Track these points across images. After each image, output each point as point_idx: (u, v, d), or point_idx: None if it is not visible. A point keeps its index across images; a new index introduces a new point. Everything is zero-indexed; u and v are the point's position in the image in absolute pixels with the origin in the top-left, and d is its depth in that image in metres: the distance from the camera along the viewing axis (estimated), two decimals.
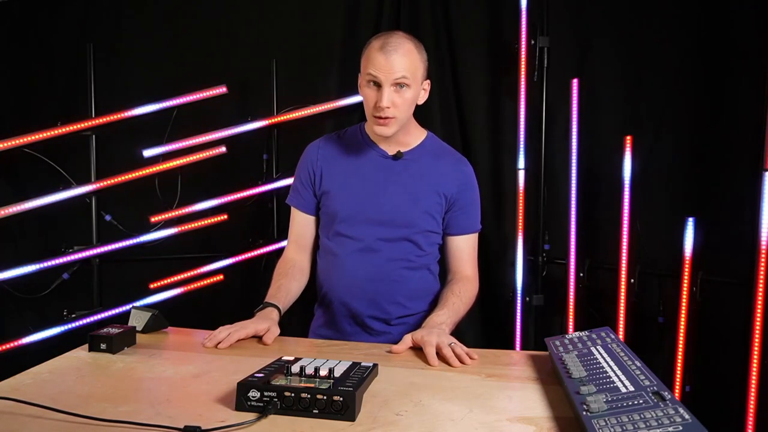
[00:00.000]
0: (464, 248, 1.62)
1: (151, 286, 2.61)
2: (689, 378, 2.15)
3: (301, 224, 1.65)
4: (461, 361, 1.20)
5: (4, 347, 2.38)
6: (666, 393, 0.84)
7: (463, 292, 1.53)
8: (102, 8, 2.71)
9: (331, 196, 1.58)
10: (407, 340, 1.30)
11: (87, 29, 2.69)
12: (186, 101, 2.58)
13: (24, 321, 2.58)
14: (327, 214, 1.60)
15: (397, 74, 1.41)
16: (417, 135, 1.61)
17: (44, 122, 2.45)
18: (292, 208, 1.66)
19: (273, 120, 2.69)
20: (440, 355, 1.22)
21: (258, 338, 1.35)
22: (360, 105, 2.63)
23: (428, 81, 1.53)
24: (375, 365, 1.09)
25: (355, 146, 1.60)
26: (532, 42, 2.52)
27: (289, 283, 1.57)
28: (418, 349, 1.29)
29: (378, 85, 1.43)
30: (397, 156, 1.56)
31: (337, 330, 1.60)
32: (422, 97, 1.53)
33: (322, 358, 1.07)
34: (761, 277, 1.88)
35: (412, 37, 1.48)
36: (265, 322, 1.37)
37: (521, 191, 2.55)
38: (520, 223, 2.56)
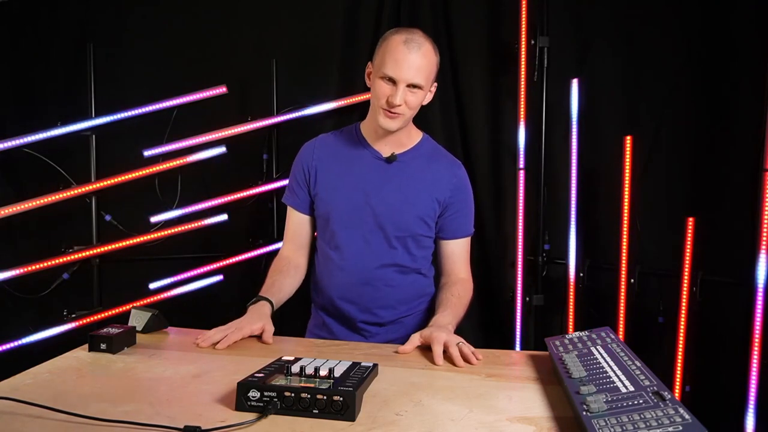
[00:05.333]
0: (458, 252, 1.62)
1: (151, 286, 2.61)
2: (689, 378, 2.15)
3: (297, 223, 1.65)
4: (467, 361, 1.20)
5: (4, 347, 2.38)
6: (666, 393, 0.84)
7: (462, 294, 1.54)
8: (102, 8, 2.71)
9: (324, 198, 1.58)
10: (414, 339, 1.30)
11: (87, 29, 2.69)
12: (186, 101, 2.58)
13: (24, 321, 2.58)
14: (321, 216, 1.60)
15: (414, 77, 1.41)
16: (413, 136, 1.61)
17: (44, 122, 2.45)
18: (288, 207, 1.66)
19: (273, 120, 2.69)
20: (446, 354, 1.22)
21: (256, 337, 1.35)
22: (360, 105, 2.64)
23: (435, 84, 1.54)
24: (375, 365, 1.09)
25: (349, 147, 1.60)
26: (532, 42, 2.52)
27: (282, 279, 1.56)
28: (421, 348, 1.29)
29: (393, 81, 1.42)
30: (391, 159, 1.55)
31: (330, 333, 1.61)
32: (427, 99, 1.53)
33: (322, 358, 1.07)
34: (761, 277, 1.88)
35: (430, 38, 1.48)
36: (259, 321, 1.36)
37: (521, 191, 2.55)
38: (520, 223, 2.56)
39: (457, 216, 1.59)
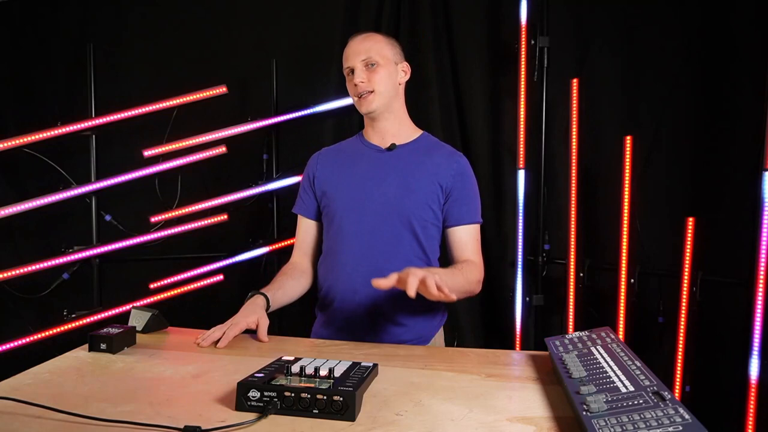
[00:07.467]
0: (466, 240, 1.60)
1: (151, 286, 2.61)
2: (689, 378, 2.14)
3: (305, 230, 1.69)
4: (439, 290, 1.20)
5: (4, 347, 2.38)
6: (666, 393, 0.84)
7: (465, 268, 1.53)
8: (102, 8, 2.72)
9: (330, 195, 1.61)
10: (392, 276, 1.26)
11: (87, 29, 2.69)
12: (186, 101, 2.58)
13: (24, 321, 2.59)
14: (327, 215, 1.62)
15: (362, 54, 1.55)
16: (411, 132, 1.66)
17: (44, 122, 2.45)
18: (298, 217, 1.70)
19: (273, 120, 2.69)
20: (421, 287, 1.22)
21: (252, 334, 1.35)
22: None
23: (407, 63, 1.63)
24: (375, 365, 1.09)
25: (351, 148, 1.67)
26: (532, 42, 2.52)
27: (285, 280, 1.59)
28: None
29: (353, 71, 1.56)
30: (391, 147, 1.60)
31: (337, 330, 1.60)
32: (403, 78, 1.62)
33: (322, 358, 1.07)
34: (761, 277, 1.88)
35: (384, 34, 1.64)
36: (253, 314, 1.38)
37: (521, 191, 2.55)
38: (520, 223, 2.56)
39: (460, 201, 1.59)
